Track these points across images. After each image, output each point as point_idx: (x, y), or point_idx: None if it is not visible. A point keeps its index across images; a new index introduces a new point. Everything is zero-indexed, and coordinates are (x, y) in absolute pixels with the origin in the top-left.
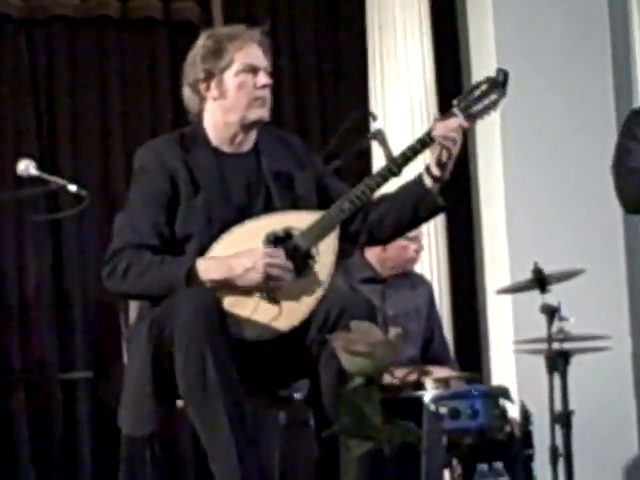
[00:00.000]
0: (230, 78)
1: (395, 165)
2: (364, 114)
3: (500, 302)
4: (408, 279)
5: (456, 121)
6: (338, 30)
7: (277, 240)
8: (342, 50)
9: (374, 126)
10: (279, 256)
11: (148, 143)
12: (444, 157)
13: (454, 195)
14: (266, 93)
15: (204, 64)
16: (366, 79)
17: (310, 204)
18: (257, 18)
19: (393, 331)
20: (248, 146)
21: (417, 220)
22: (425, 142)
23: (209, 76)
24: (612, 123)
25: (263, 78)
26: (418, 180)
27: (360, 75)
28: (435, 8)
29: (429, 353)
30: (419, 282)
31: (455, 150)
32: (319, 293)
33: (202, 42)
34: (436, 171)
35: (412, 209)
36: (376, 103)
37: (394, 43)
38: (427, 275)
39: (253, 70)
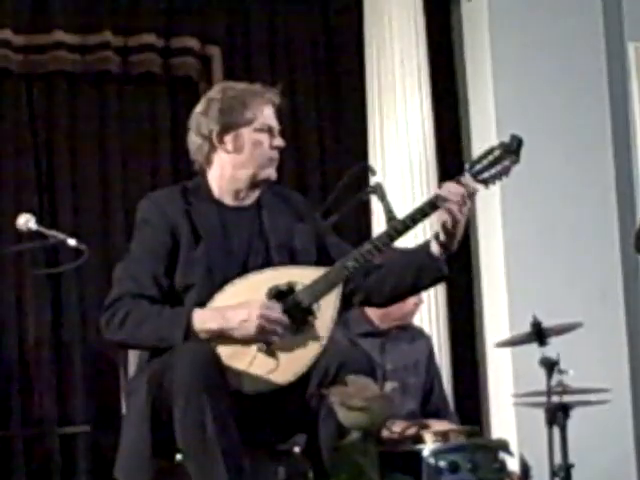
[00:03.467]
0: (248, 134)
1: (399, 226)
2: (363, 169)
3: (499, 355)
4: (407, 332)
5: (461, 187)
6: (338, 87)
7: (279, 294)
8: (342, 106)
9: (373, 180)
10: (275, 309)
11: (151, 194)
12: (449, 223)
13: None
14: (277, 154)
15: (222, 116)
16: (365, 135)
17: (309, 259)
18: (256, 76)
19: (389, 385)
20: (250, 200)
21: (418, 287)
22: (426, 212)
23: (226, 129)
24: (611, 181)
25: (279, 140)
26: (425, 246)
27: (359, 131)
28: (435, 66)
29: (428, 406)
30: (418, 335)
31: (461, 216)
32: (317, 349)
33: (219, 94)
34: (443, 238)
35: (415, 275)
36: (375, 158)
37: (393, 99)
38: (426, 328)
39: (270, 130)
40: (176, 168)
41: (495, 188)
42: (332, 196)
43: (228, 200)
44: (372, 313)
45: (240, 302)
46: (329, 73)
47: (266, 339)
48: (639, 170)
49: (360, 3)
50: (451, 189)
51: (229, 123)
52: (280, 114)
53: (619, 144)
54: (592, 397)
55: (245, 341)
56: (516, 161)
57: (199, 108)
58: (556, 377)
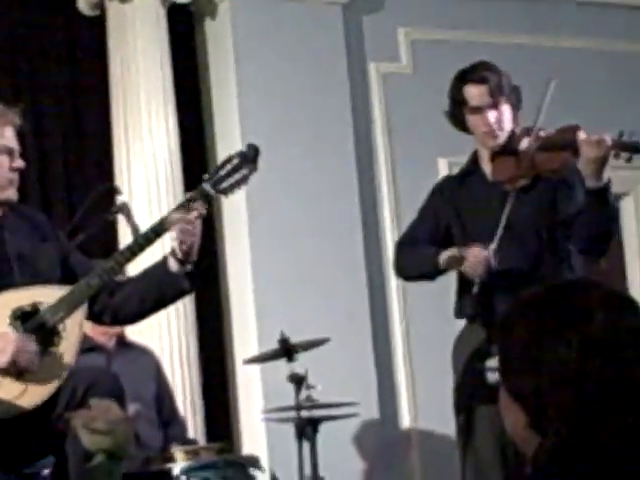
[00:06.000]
0: None
1: (142, 241)
2: (109, 188)
3: (249, 371)
4: (130, 349)
5: (193, 213)
6: (82, 105)
7: (24, 315)
8: (87, 125)
9: (119, 199)
10: (29, 345)
11: None
12: (184, 246)
13: (203, 266)
14: (17, 176)
15: None
16: (111, 154)
17: (53, 278)
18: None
19: (132, 407)
20: None
21: (162, 303)
22: (158, 232)
23: None
24: (356, 195)
25: (19, 161)
26: (163, 263)
27: (105, 150)
28: (180, 85)
29: (162, 416)
30: (142, 351)
31: (193, 239)
32: (65, 371)
33: None
34: (180, 255)
35: (157, 292)
36: (122, 177)
37: (139, 117)
38: (175, 344)
39: (9, 152)
40: None
41: (242, 203)
42: (77, 216)
43: None
44: (91, 330)
45: None
46: (73, 91)
47: (18, 371)
48: (382, 186)
49: (104, 21)
50: (183, 217)
51: None
52: (22, 135)
53: (362, 155)
54: (340, 411)
55: None
56: (254, 169)
57: None
58: (305, 392)
